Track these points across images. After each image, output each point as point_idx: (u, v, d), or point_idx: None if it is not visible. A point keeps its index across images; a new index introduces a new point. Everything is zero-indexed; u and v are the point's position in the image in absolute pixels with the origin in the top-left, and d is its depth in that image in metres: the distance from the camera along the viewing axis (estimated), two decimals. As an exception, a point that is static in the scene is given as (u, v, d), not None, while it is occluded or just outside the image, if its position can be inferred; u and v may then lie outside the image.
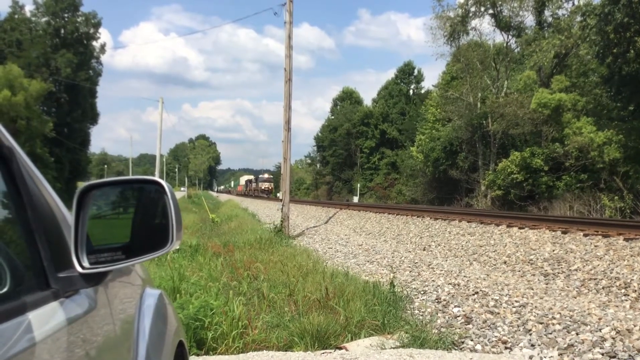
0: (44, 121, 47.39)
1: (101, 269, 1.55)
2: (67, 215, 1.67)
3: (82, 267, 1.50)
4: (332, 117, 75.23)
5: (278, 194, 45.36)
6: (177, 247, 11.97)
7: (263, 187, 75.73)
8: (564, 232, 11.52)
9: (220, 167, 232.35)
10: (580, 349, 5.22)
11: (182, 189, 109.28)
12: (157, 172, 41.71)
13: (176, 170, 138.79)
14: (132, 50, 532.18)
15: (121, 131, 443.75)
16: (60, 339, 1.32)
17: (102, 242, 1.77)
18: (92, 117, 64.10)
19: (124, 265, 1.67)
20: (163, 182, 1.74)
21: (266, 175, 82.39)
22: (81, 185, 1.68)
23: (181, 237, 1.72)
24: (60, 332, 1.33)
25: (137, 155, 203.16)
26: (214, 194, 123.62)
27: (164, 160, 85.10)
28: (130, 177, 1.97)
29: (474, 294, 7.70)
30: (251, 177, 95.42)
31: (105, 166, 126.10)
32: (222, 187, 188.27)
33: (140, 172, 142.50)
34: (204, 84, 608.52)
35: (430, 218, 18.03)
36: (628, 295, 7.21)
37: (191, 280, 8.01)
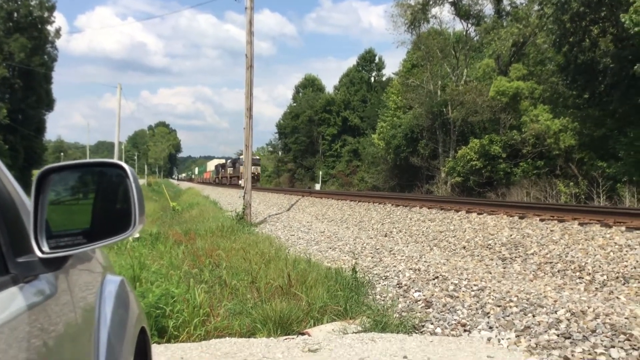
0: (-3, 107, 46.04)
1: (61, 253, 1.52)
2: (26, 200, 1.63)
3: (42, 252, 1.47)
4: (294, 104, 74.77)
5: (240, 182, 44.54)
6: (138, 236, 11.81)
7: None
8: (521, 218, 11.76)
9: (181, 155, 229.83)
10: (536, 331, 5.36)
11: None
12: (115, 160, 41.02)
13: (135, 157, 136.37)
14: (89, 35, 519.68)
15: (78, 118, 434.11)
16: (20, 324, 1.30)
17: (62, 228, 1.73)
18: (48, 103, 62.31)
19: (84, 249, 1.64)
20: (125, 166, 1.71)
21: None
22: (37, 172, 1.64)
23: (144, 221, 1.69)
24: (20, 318, 1.30)
25: (95, 143, 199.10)
26: (175, 181, 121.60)
27: (123, 147, 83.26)
28: (91, 160, 1.91)
29: (434, 279, 7.82)
30: (223, 161, 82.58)
31: (62, 154, 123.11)
32: (183, 174, 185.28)
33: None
34: (163, 70, 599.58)
35: (392, 205, 18.19)
36: (582, 278, 7.41)
37: (152, 268, 7.93)
